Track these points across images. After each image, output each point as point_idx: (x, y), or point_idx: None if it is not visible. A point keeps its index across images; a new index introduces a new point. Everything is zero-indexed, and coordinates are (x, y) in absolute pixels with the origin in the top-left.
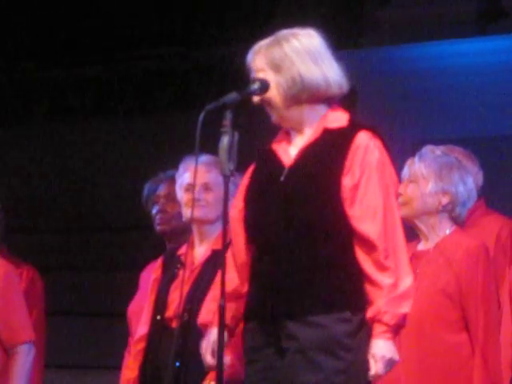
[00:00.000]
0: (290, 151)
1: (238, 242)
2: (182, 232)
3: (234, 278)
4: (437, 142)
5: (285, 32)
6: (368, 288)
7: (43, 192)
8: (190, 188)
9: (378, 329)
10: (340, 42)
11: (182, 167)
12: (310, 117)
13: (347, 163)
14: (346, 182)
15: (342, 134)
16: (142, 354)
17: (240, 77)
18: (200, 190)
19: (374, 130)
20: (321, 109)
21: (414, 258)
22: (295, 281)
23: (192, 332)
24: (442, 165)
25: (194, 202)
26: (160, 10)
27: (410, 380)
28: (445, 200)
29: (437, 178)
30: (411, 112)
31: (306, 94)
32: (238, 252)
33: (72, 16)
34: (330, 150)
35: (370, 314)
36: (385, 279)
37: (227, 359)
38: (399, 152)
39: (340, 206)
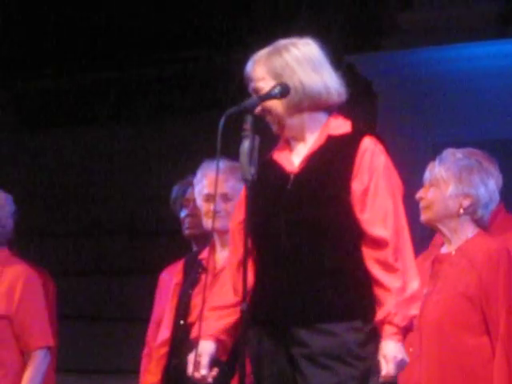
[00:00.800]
0: (292, 159)
1: (237, 253)
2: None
3: (228, 291)
4: (458, 145)
5: (283, 41)
6: (377, 291)
7: (57, 196)
8: (209, 198)
9: (388, 330)
10: (361, 45)
11: (199, 173)
12: (312, 125)
13: (355, 168)
14: (356, 186)
15: (347, 140)
16: (165, 358)
17: None
18: (219, 201)
19: (377, 136)
20: (321, 116)
21: (437, 260)
22: (307, 288)
23: None
24: (462, 168)
25: (214, 214)
26: (180, 13)
27: (431, 382)
28: (466, 203)
29: (457, 180)
30: (432, 114)
31: (307, 102)
32: (237, 262)
33: (90, 22)
34: (337, 155)
35: (379, 316)
36: (394, 281)
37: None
38: (420, 154)
39: (351, 211)
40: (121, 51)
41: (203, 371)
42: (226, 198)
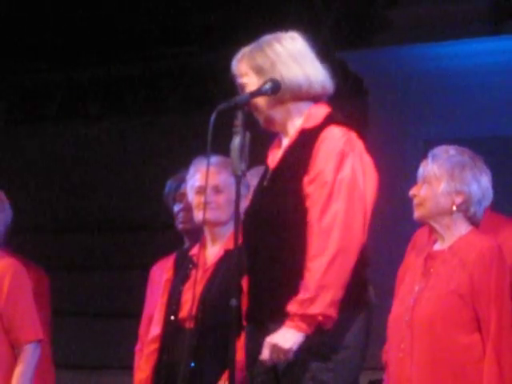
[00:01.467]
0: (277, 155)
1: None
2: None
3: None
4: (449, 142)
5: (268, 36)
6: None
7: (51, 191)
8: (201, 190)
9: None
10: (351, 42)
11: (192, 168)
12: (295, 118)
13: (311, 161)
14: (307, 179)
15: (313, 132)
16: (156, 354)
17: None
18: (210, 193)
19: (350, 126)
20: (305, 108)
21: (430, 257)
22: (267, 283)
23: (206, 332)
24: (454, 164)
25: (205, 205)
26: (173, 9)
27: (421, 380)
28: (458, 200)
29: (449, 177)
30: (423, 111)
31: (288, 94)
32: None
33: (85, 16)
34: (300, 149)
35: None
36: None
37: None
38: (411, 151)
39: (302, 205)
40: (111, 47)
41: None
42: (217, 189)
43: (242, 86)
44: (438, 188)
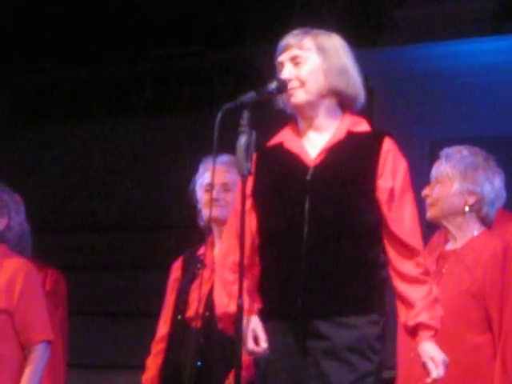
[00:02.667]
0: (307, 149)
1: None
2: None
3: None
4: (455, 141)
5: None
6: (407, 291)
7: (65, 192)
8: (210, 188)
9: (427, 333)
10: (357, 42)
11: (201, 168)
12: (329, 116)
13: (380, 167)
14: (382, 184)
15: (368, 138)
16: (163, 353)
17: (258, 76)
18: (219, 190)
19: (393, 137)
20: (337, 111)
21: (442, 257)
22: (328, 282)
23: (214, 331)
24: (467, 165)
25: (211, 202)
26: (179, 9)
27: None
28: (471, 200)
29: (462, 178)
30: (429, 111)
31: (345, 89)
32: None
33: (90, 16)
34: (360, 152)
35: (412, 318)
36: (425, 283)
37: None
38: (417, 151)
39: (377, 208)
40: (117, 47)
41: (264, 344)
42: (226, 187)
43: (295, 58)
44: (450, 188)
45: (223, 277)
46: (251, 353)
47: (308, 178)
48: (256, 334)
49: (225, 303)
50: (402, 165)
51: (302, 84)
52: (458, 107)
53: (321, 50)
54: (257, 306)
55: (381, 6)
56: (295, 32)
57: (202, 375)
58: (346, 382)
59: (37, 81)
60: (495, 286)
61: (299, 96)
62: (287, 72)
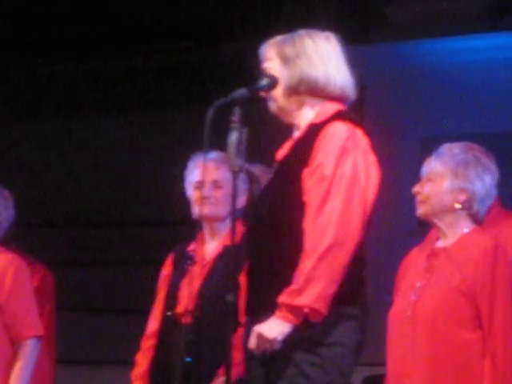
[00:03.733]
0: (285, 149)
1: None
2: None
3: None
4: (446, 138)
5: (303, 31)
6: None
7: (54, 187)
8: (200, 185)
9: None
10: (349, 38)
11: (191, 164)
12: (307, 112)
13: (312, 155)
14: (306, 172)
15: (319, 127)
16: (153, 350)
17: (249, 73)
18: (210, 188)
19: (357, 123)
20: (318, 104)
21: (432, 254)
22: (264, 276)
23: (203, 327)
24: (458, 162)
25: (202, 200)
26: (168, 5)
27: (422, 376)
28: (462, 197)
29: (453, 175)
30: (420, 108)
31: (304, 87)
32: None
33: (80, 11)
34: (304, 144)
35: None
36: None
37: None
38: (407, 148)
39: (299, 200)
40: (107, 43)
41: None
42: (216, 185)
43: (264, 70)
44: (441, 185)
45: None
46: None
47: (271, 176)
48: None
49: None
50: (337, 144)
51: (273, 98)
52: (449, 104)
53: (281, 56)
54: None
55: (373, 2)
56: (266, 43)
57: (191, 371)
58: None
59: (28, 76)
60: (485, 284)
61: (272, 107)
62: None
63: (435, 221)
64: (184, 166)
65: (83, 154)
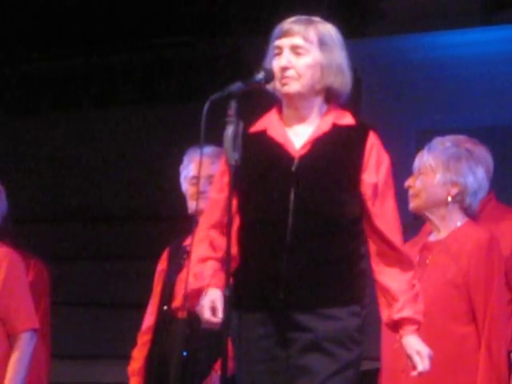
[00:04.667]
0: (292, 140)
1: (216, 216)
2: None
3: (209, 246)
4: (441, 132)
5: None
6: (389, 284)
7: (52, 181)
8: (195, 181)
9: (410, 327)
10: (345, 32)
11: (186, 159)
12: (316, 109)
13: (364, 160)
14: (366, 178)
15: (353, 131)
16: (149, 344)
17: (246, 67)
18: (205, 183)
19: (376, 131)
20: (322, 102)
21: (425, 248)
22: (311, 273)
23: (199, 322)
24: (450, 156)
25: (198, 195)
26: None
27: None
28: (454, 191)
29: (445, 169)
30: (415, 102)
31: (338, 87)
32: (217, 224)
33: (76, 5)
34: (345, 145)
35: (396, 313)
36: (406, 277)
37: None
38: (403, 142)
39: (360, 201)
40: (104, 37)
41: (221, 315)
42: (211, 180)
43: (297, 48)
44: (433, 179)
45: (193, 262)
46: (207, 322)
47: (293, 169)
48: (214, 305)
49: (190, 282)
50: (386, 160)
51: (299, 76)
52: (444, 98)
53: (322, 44)
54: (220, 283)
55: None
56: (298, 19)
57: (187, 365)
58: (328, 373)
59: (27, 71)
60: (479, 277)
61: (293, 87)
62: (285, 59)
63: (428, 214)
64: (180, 161)
65: (81, 148)
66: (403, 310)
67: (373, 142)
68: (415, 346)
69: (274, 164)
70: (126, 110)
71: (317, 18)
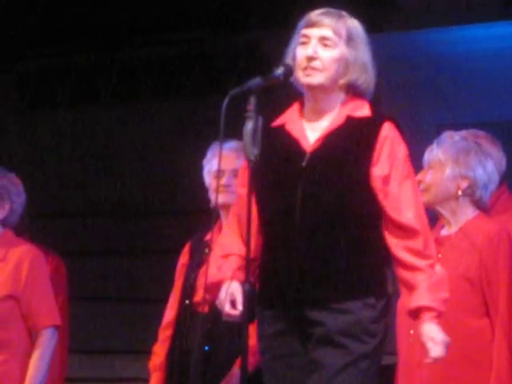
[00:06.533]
0: (307, 134)
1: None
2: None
3: (238, 242)
4: (461, 127)
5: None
6: (407, 275)
7: (66, 177)
8: (219, 175)
9: (428, 314)
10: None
11: (209, 153)
12: (335, 101)
13: (375, 154)
14: (376, 172)
15: (366, 123)
16: (170, 339)
17: (264, 62)
18: (229, 176)
19: (395, 121)
20: (343, 96)
21: (437, 242)
22: (322, 268)
23: (220, 317)
24: (459, 149)
25: (218, 188)
26: None
27: (432, 366)
28: (464, 184)
29: (454, 163)
30: (435, 97)
31: (361, 84)
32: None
33: (93, 1)
34: (357, 139)
35: (416, 300)
36: (427, 266)
37: None
38: (423, 137)
39: (370, 195)
40: (121, 32)
41: (240, 307)
42: (236, 174)
43: (325, 39)
44: (443, 173)
45: (216, 253)
46: (227, 315)
47: (303, 164)
48: (234, 298)
49: (213, 273)
50: (402, 151)
51: (324, 68)
52: (464, 92)
53: (350, 40)
54: (241, 275)
55: None
56: (328, 11)
57: (209, 360)
58: (339, 364)
59: (42, 66)
60: (492, 270)
61: (316, 78)
62: (312, 49)
63: (438, 209)
64: (199, 156)
65: (97, 143)
66: (420, 298)
67: (387, 134)
68: (430, 334)
69: (288, 159)
70: (145, 105)
71: (345, 13)
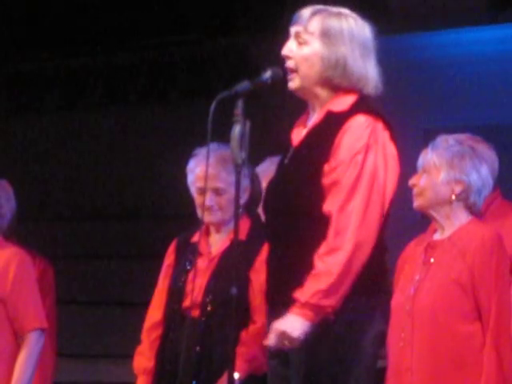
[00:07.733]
0: (301, 132)
1: None
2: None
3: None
4: (449, 130)
5: (348, 11)
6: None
7: (53, 180)
8: (202, 192)
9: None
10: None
11: (192, 161)
12: (323, 99)
13: (333, 148)
14: (327, 168)
15: (339, 117)
16: (158, 341)
17: (253, 65)
18: (211, 196)
19: (378, 114)
20: (331, 94)
21: (429, 247)
22: (284, 270)
23: (213, 323)
24: (453, 154)
25: (203, 207)
26: None
27: (422, 370)
28: (458, 189)
29: (448, 167)
30: (423, 100)
31: (345, 83)
32: None
33: (85, 4)
34: (324, 133)
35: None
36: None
37: None
38: (411, 139)
39: (317, 193)
40: (111, 35)
41: None
42: (217, 192)
43: (299, 36)
44: (437, 177)
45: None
46: None
47: (286, 161)
48: None
49: None
50: (361, 142)
51: (296, 68)
52: (452, 95)
53: (323, 34)
54: None
55: None
56: (310, 7)
57: (202, 362)
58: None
59: (31, 69)
60: (484, 275)
61: (295, 83)
62: (287, 49)
63: (432, 213)
64: (187, 159)
65: (85, 147)
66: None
67: (349, 125)
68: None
69: (282, 159)
70: (132, 108)
71: (333, 9)
